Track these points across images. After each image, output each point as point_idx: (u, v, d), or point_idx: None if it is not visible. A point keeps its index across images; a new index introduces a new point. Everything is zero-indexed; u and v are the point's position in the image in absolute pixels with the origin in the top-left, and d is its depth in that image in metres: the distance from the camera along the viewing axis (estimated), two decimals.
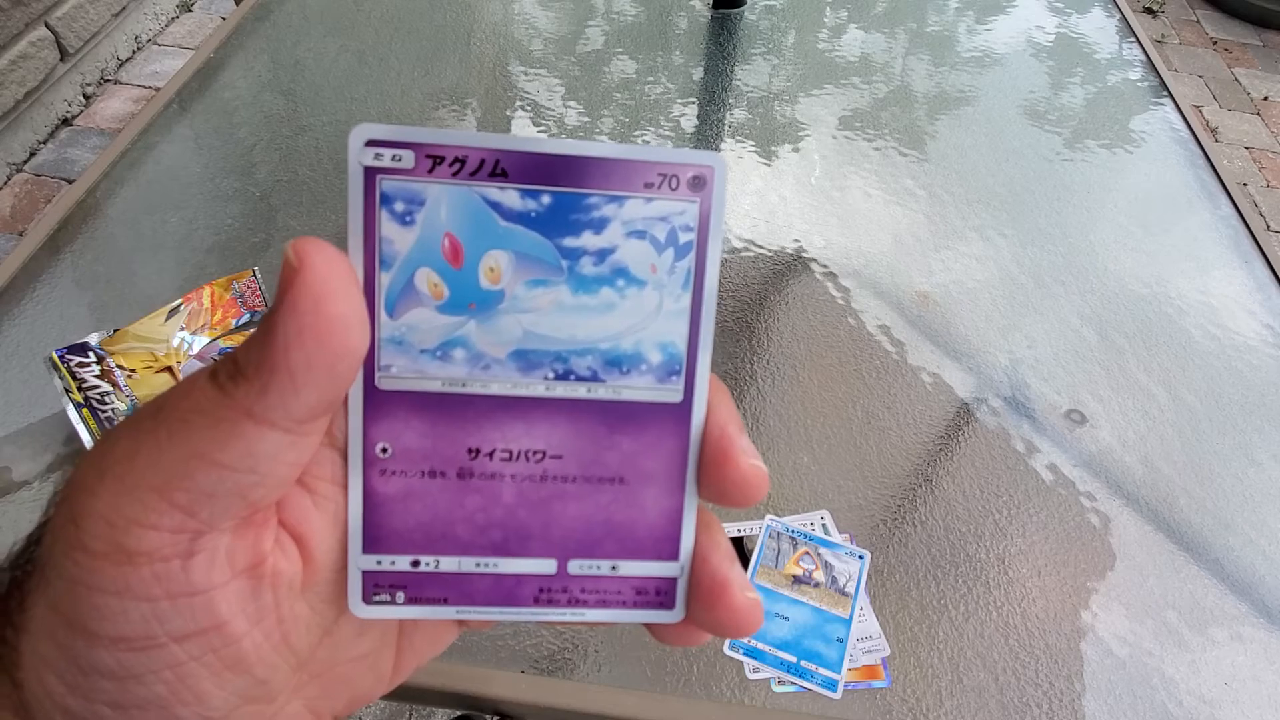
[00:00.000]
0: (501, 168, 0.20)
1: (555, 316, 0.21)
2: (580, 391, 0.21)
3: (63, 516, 0.18)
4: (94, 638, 0.18)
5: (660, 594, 0.22)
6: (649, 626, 0.23)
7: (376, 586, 0.21)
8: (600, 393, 0.21)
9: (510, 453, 0.21)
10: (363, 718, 1.27)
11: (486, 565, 0.22)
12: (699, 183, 0.21)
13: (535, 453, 0.21)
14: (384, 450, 0.21)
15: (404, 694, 0.55)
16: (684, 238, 0.21)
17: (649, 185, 0.21)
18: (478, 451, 0.21)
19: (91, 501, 0.18)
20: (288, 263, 0.18)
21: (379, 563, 0.21)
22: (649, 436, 0.22)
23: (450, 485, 0.21)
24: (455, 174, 0.20)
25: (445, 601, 0.22)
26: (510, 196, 0.20)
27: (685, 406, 0.22)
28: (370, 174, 0.20)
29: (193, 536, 0.18)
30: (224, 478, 0.18)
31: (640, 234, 0.21)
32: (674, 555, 0.22)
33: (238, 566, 0.19)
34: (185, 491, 0.18)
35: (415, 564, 0.22)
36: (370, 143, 0.20)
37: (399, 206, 0.20)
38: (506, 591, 0.22)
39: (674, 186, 0.21)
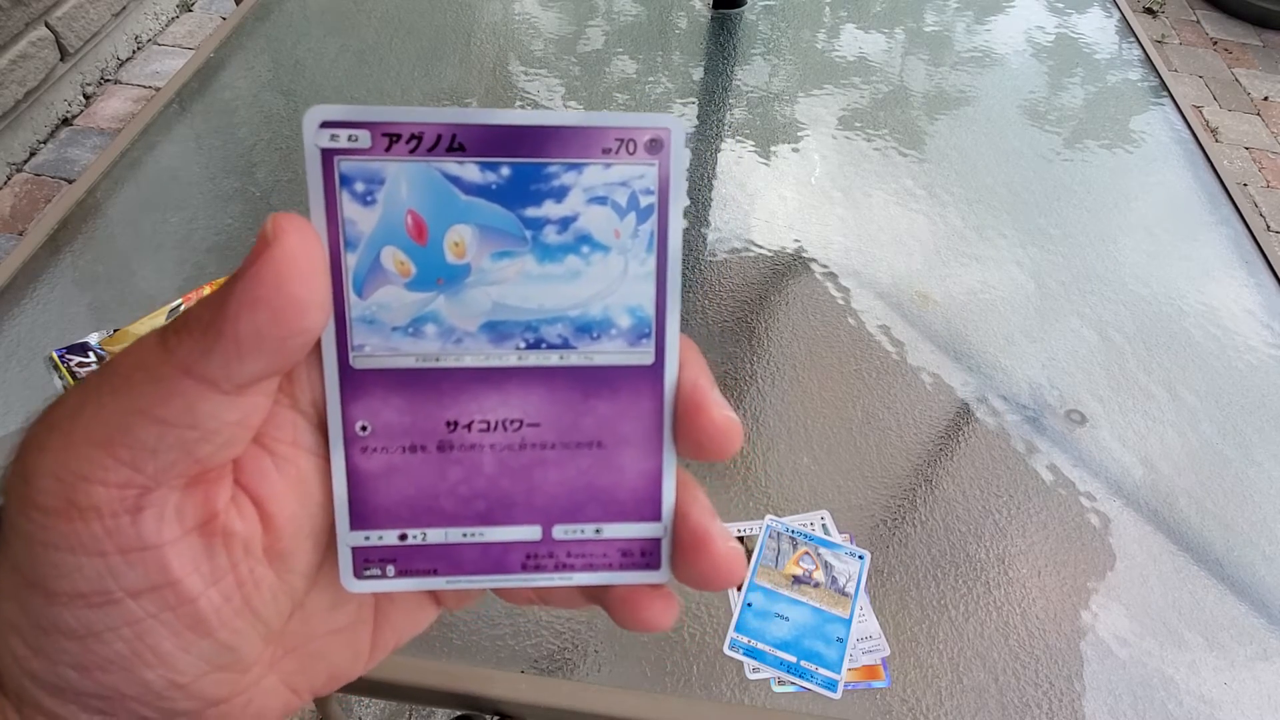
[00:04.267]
0: (459, 142, 0.20)
1: (523, 287, 0.21)
2: (553, 359, 0.22)
3: (15, 475, 0.19)
4: (52, 595, 0.18)
5: (645, 555, 0.23)
6: (616, 613, 0.23)
7: (366, 562, 0.22)
8: (572, 359, 0.22)
9: (488, 423, 0.22)
10: (363, 718, 1.27)
11: (473, 535, 0.22)
12: (656, 145, 0.21)
13: (512, 422, 0.22)
14: (363, 428, 0.21)
15: (404, 694, 0.55)
16: (645, 201, 0.21)
17: (607, 151, 0.21)
18: (456, 424, 0.21)
19: (40, 458, 0.18)
20: (263, 235, 0.18)
21: (367, 538, 0.22)
22: (624, 399, 0.22)
23: (431, 459, 0.22)
24: (413, 151, 0.20)
25: (435, 573, 0.22)
26: (469, 170, 0.20)
27: (658, 368, 0.22)
28: (328, 156, 0.20)
29: (140, 492, 0.18)
30: (165, 433, 0.18)
31: (601, 200, 0.21)
32: (656, 516, 0.22)
33: (188, 523, 0.19)
34: (127, 447, 0.18)
35: (403, 538, 0.22)
36: (325, 124, 0.20)
37: (359, 187, 0.20)
38: (494, 560, 0.22)
39: (632, 150, 0.21)
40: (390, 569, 0.22)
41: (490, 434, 0.22)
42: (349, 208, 0.20)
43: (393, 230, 0.20)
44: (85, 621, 0.19)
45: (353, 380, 0.21)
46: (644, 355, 0.22)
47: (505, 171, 0.20)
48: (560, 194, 0.21)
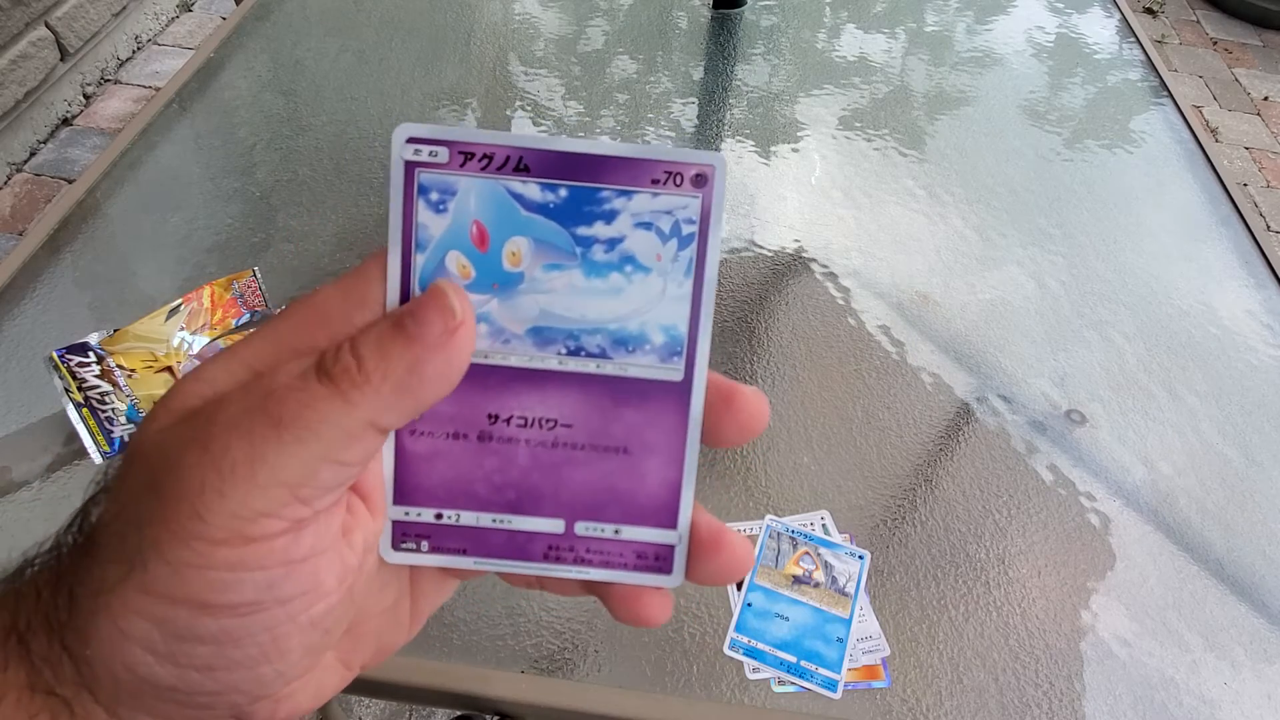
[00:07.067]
0: (524, 163, 0.22)
1: (569, 298, 0.23)
2: (590, 367, 0.23)
3: (187, 515, 0.20)
4: (205, 608, 0.20)
5: (659, 559, 0.24)
6: (614, 607, 0.25)
7: (404, 535, 0.24)
8: (608, 369, 0.23)
9: (525, 419, 0.23)
10: (363, 718, 1.27)
11: (501, 521, 0.24)
12: (701, 180, 0.23)
13: (548, 421, 0.24)
14: None
15: (404, 694, 0.55)
16: (687, 230, 0.23)
17: (656, 181, 0.23)
18: (496, 417, 0.23)
19: (220, 500, 0.20)
20: (450, 309, 0.21)
21: (406, 514, 0.24)
22: (651, 411, 0.24)
23: (471, 447, 0.24)
24: (484, 168, 0.22)
25: (464, 552, 0.24)
26: (531, 189, 0.23)
27: (685, 385, 0.24)
28: (410, 167, 0.22)
29: (303, 518, 0.21)
30: (341, 473, 0.21)
31: (647, 225, 0.23)
32: (672, 524, 0.24)
33: (335, 533, 0.21)
34: (310, 488, 0.20)
35: (439, 517, 0.24)
36: (411, 140, 0.22)
37: (434, 196, 0.23)
38: (519, 546, 0.24)
39: (679, 183, 0.23)
40: (424, 544, 0.24)
41: (526, 430, 0.24)
42: (423, 214, 0.23)
43: (459, 236, 0.23)
44: (228, 629, 0.20)
45: None
46: (674, 372, 0.24)
47: (563, 193, 0.23)
48: (610, 217, 0.23)
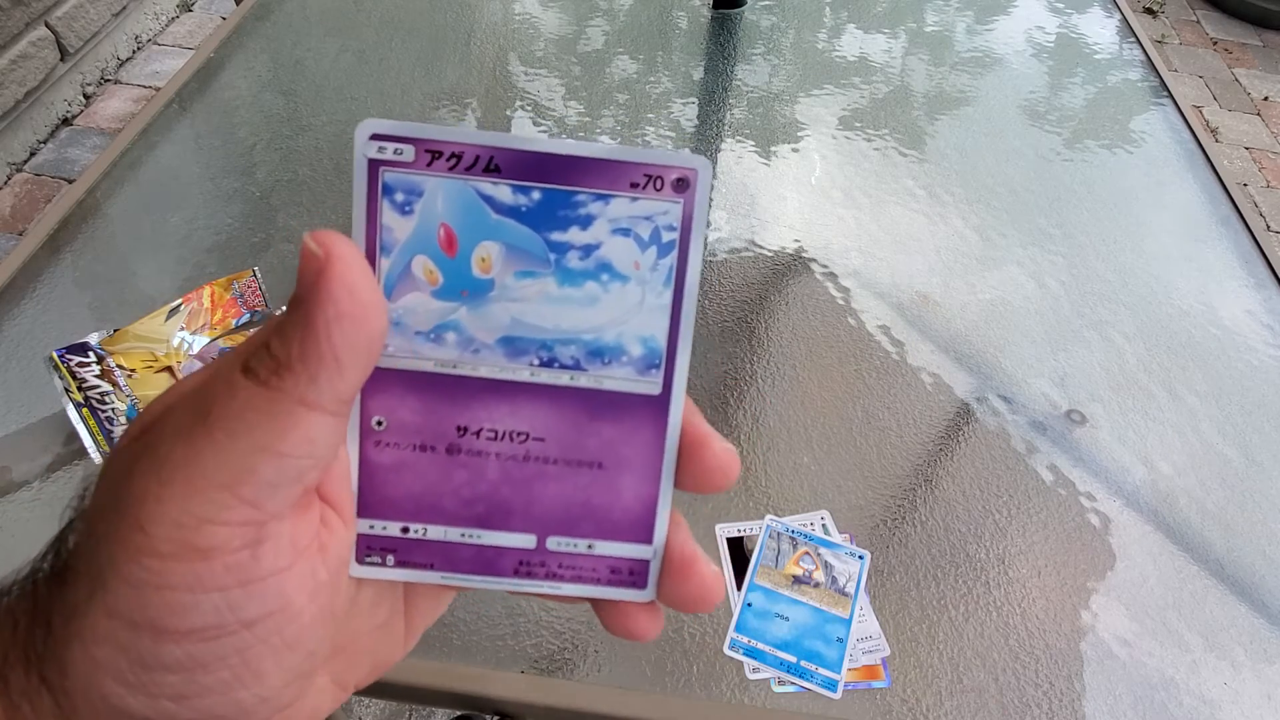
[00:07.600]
0: (495, 164, 0.21)
1: (542, 306, 0.22)
2: (563, 379, 0.22)
3: (128, 527, 0.19)
4: (164, 633, 0.19)
5: (633, 574, 0.23)
6: (605, 619, 0.24)
7: (369, 549, 0.23)
8: (582, 381, 0.22)
9: (496, 432, 0.22)
10: (363, 718, 1.27)
11: (470, 536, 0.23)
12: (683, 184, 0.22)
13: (519, 434, 0.22)
14: (379, 423, 0.22)
15: (404, 694, 0.55)
16: (667, 237, 0.22)
17: (635, 185, 0.22)
18: (465, 429, 0.22)
19: (159, 508, 0.19)
20: (312, 255, 0.19)
21: (371, 527, 0.23)
22: (628, 425, 0.23)
23: (439, 459, 0.23)
24: (452, 168, 0.21)
25: (431, 567, 0.23)
26: (503, 191, 0.21)
27: (663, 399, 0.23)
28: (374, 166, 0.21)
29: (258, 527, 0.19)
30: (285, 467, 0.19)
31: (625, 231, 0.22)
32: (648, 539, 0.23)
33: (299, 547, 0.20)
34: (251, 485, 0.19)
35: (405, 530, 0.23)
36: (375, 136, 0.21)
37: (399, 197, 0.21)
38: (488, 562, 0.23)
39: (659, 187, 0.22)
40: (390, 559, 0.23)
41: (497, 443, 0.22)
42: (387, 215, 0.21)
43: (425, 240, 0.21)
44: (194, 655, 0.19)
45: (374, 377, 0.22)
46: (651, 385, 0.23)
47: (536, 195, 0.21)
48: (586, 222, 0.22)
